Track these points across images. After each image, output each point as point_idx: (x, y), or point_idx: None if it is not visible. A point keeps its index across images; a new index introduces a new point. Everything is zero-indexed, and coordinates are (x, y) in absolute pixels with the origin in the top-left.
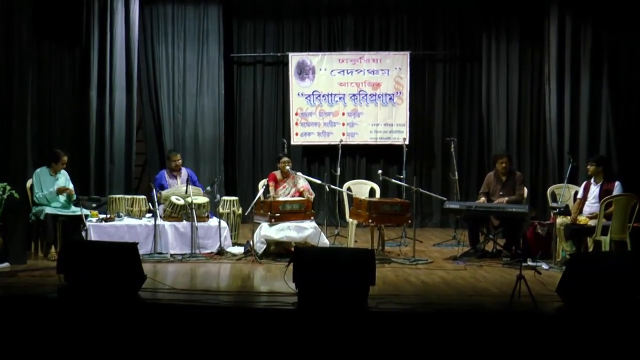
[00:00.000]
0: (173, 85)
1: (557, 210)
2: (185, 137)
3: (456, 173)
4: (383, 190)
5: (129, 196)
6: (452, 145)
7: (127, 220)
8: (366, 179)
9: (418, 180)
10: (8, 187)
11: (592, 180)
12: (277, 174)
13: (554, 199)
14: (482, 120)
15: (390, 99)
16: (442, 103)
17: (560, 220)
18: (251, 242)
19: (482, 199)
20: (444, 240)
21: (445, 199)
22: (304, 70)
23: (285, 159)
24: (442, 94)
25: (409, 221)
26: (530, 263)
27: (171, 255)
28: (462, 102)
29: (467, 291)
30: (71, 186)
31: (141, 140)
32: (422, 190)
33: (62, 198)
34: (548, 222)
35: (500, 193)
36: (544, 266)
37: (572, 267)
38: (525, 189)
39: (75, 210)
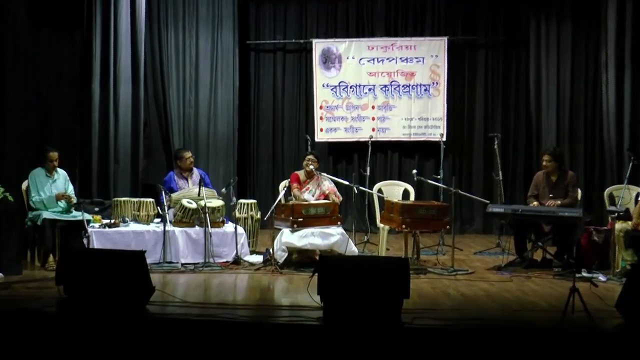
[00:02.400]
0: (183, 77)
1: (616, 214)
2: (197, 134)
3: (500, 173)
4: (418, 192)
5: (136, 199)
6: (496, 142)
7: (134, 226)
8: (399, 179)
9: (457, 181)
10: (2, 190)
11: None
12: (300, 174)
13: (612, 202)
14: (530, 113)
15: (425, 90)
16: (484, 94)
17: (619, 225)
18: (271, 250)
19: (535, 202)
20: (487, 248)
21: (488, 201)
22: (329, 59)
23: (311, 157)
24: (484, 84)
25: (447, 227)
26: (585, 274)
27: (182, 264)
28: (507, 93)
29: (513, 305)
30: (71, 188)
31: (149, 138)
32: (462, 192)
33: (62, 203)
34: (605, 227)
35: (550, 195)
36: (601, 278)
37: (633, 279)
38: (579, 191)
39: (75, 215)
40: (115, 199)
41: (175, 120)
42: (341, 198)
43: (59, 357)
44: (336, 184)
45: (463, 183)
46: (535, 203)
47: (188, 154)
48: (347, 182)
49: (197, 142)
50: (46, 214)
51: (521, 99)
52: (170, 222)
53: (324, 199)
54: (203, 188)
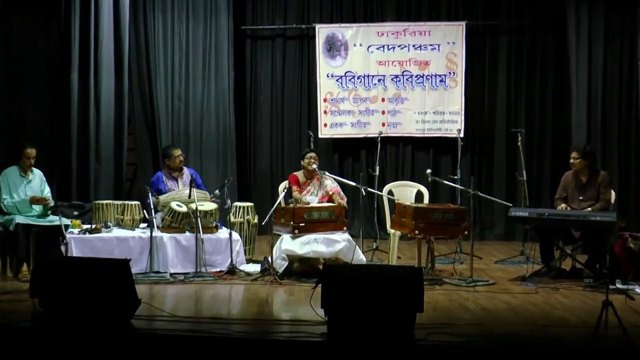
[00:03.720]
0: (172, 66)
1: None
2: (187, 130)
3: (524, 172)
4: (433, 193)
5: (119, 202)
6: (519, 138)
7: (117, 232)
8: (411, 179)
9: (476, 182)
10: None
11: None
12: (299, 175)
13: None
14: (558, 106)
15: (441, 80)
16: (507, 85)
17: None
18: (270, 259)
19: (563, 205)
20: (509, 256)
21: (510, 204)
22: (334, 46)
23: (312, 154)
24: (507, 74)
25: (465, 232)
26: (619, 286)
27: (171, 274)
28: (532, 84)
29: (539, 320)
30: (47, 189)
31: (134, 134)
32: (482, 194)
33: (37, 207)
34: None
35: (580, 198)
36: (638, 290)
37: None
38: (613, 193)
39: (52, 220)
40: (97, 201)
41: (163, 115)
42: (345, 199)
43: None
44: (342, 185)
45: (483, 184)
46: (564, 206)
47: (177, 152)
48: (354, 183)
49: (188, 138)
50: (19, 219)
51: (548, 91)
52: (158, 227)
53: (328, 201)
54: (194, 189)
